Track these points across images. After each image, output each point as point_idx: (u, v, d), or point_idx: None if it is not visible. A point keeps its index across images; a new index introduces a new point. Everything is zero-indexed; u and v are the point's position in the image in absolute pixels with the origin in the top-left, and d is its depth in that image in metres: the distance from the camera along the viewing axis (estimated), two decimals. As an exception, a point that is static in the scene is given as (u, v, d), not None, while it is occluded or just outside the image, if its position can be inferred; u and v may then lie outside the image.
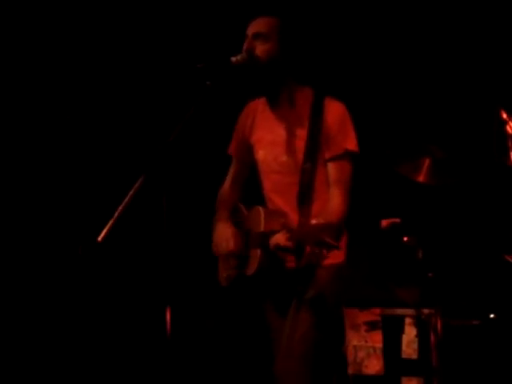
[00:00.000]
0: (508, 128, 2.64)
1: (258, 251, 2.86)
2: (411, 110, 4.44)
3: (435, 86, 4.40)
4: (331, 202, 2.89)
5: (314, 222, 2.63)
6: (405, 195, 4.33)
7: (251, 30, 2.96)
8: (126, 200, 2.59)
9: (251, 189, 3.26)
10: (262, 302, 3.15)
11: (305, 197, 2.88)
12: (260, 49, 2.91)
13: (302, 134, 2.94)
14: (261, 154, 3.07)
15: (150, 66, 4.56)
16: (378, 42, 4.50)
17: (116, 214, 2.57)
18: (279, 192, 3.00)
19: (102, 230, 2.54)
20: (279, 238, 2.73)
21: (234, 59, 2.90)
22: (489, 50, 4.25)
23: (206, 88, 2.78)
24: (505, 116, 2.65)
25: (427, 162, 3.92)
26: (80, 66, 4.58)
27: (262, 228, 2.88)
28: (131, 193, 2.60)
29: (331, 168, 2.92)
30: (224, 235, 3.08)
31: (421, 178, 3.92)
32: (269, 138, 3.03)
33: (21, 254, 4.48)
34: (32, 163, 4.56)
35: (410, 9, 4.40)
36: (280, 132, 2.99)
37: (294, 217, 2.91)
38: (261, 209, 2.95)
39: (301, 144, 2.92)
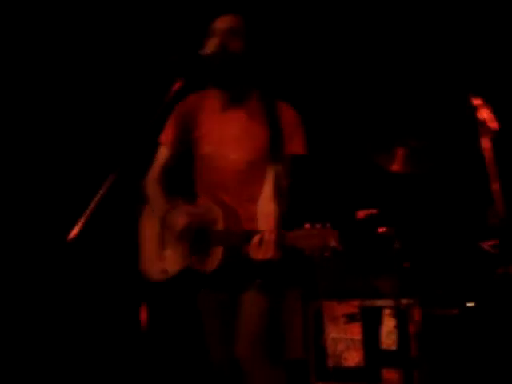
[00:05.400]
0: (478, 114, 2.65)
1: (220, 249, 2.83)
2: (383, 101, 4.45)
3: (406, 75, 4.41)
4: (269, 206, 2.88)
5: (307, 226, 2.60)
6: (381, 186, 4.34)
7: (224, 24, 2.96)
8: (98, 197, 2.55)
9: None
10: (199, 295, 3.10)
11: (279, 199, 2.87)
12: (233, 44, 2.93)
13: (255, 133, 2.95)
14: (207, 150, 3.02)
15: (123, 60, 4.52)
16: (354, 36, 4.51)
17: (87, 212, 2.53)
18: (226, 189, 2.97)
19: (73, 228, 2.50)
20: (267, 245, 2.67)
21: (206, 51, 2.89)
22: (458, 38, 4.27)
23: (179, 80, 2.77)
24: (475, 102, 2.66)
25: (401, 151, 3.94)
26: (57, 60, 4.54)
27: (221, 225, 2.86)
28: (102, 190, 2.56)
29: (282, 168, 2.90)
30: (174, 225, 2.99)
31: (395, 167, 3.95)
32: (218, 134, 3.00)
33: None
34: (15, 157, 4.50)
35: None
36: (231, 129, 2.99)
37: (240, 212, 2.91)
38: (215, 206, 2.90)
39: (254, 143, 2.94)
